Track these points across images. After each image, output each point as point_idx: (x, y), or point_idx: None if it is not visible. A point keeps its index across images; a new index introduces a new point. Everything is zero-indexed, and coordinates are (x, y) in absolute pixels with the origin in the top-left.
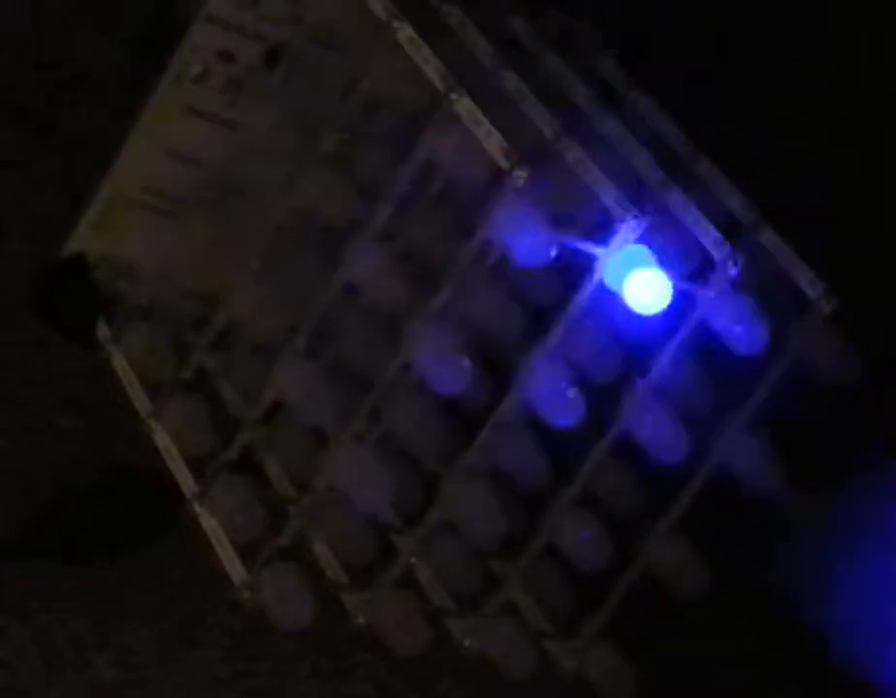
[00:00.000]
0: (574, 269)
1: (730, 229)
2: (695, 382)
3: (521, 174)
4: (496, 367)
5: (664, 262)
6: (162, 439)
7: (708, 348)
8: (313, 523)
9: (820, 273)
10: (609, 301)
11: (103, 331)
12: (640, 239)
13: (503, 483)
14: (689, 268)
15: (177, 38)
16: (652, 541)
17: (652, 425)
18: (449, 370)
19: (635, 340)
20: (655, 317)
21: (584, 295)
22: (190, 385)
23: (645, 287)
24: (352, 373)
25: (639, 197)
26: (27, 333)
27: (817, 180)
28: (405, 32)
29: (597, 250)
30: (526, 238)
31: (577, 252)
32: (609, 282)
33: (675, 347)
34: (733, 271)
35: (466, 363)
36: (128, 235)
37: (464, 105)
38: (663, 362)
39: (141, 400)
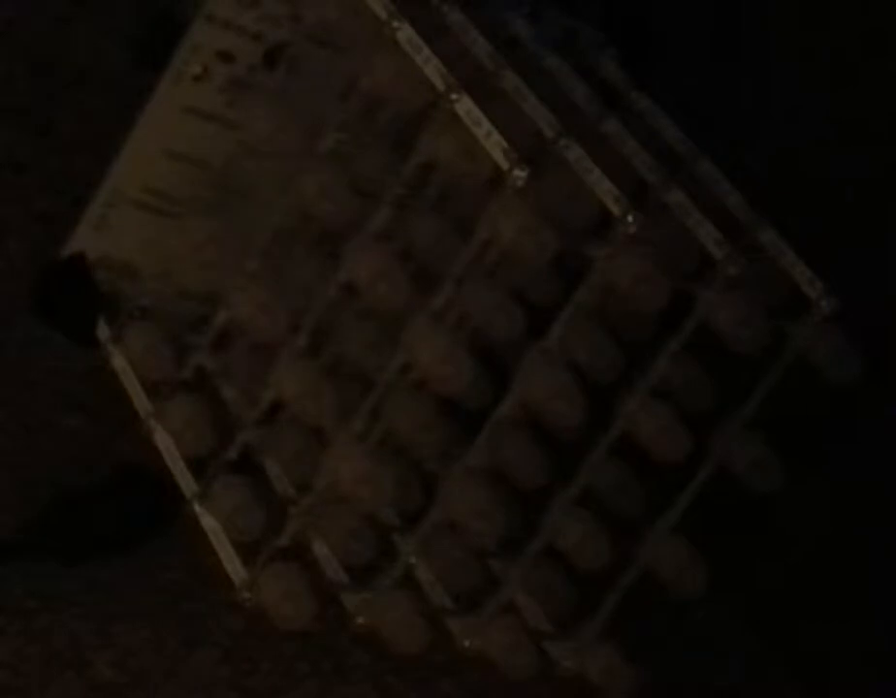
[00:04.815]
0: (574, 270)
1: (730, 229)
2: (695, 382)
3: (521, 175)
4: (497, 367)
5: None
6: (162, 439)
7: (708, 348)
8: (313, 523)
9: (820, 273)
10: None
11: (103, 331)
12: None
13: (503, 483)
14: (689, 267)
15: (177, 38)
16: (652, 541)
17: (652, 424)
18: (449, 370)
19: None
20: None
21: (584, 294)
22: (190, 385)
23: None
24: (352, 373)
25: (639, 196)
26: (27, 332)
27: (818, 180)
28: (405, 32)
29: (598, 250)
30: None
31: (577, 252)
32: None
33: (675, 347)
34: (733, 271)
35: (467, 363)
36: (128, 235)
37: (463, 105)
38: (663, 362)
39: (141, 400)
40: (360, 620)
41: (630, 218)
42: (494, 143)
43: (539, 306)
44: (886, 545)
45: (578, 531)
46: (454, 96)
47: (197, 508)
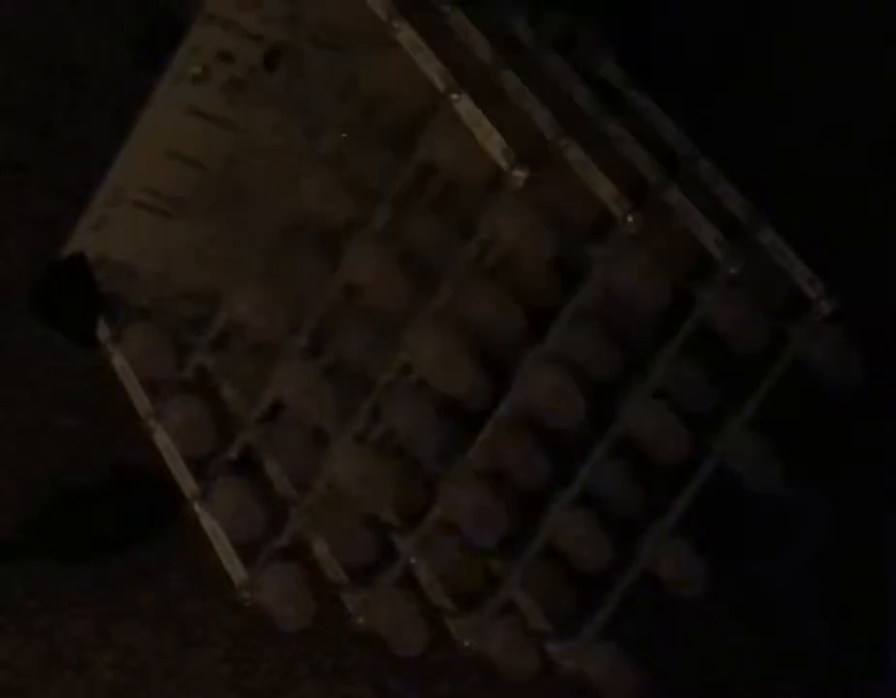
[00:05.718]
0: (574, 270)
1: (730, 229)
2: (696, 382)
3: (520, 175)
4: (496, 367)
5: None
6: (162, 439)
7: (708, 348)
8: (313, 523)
9: (820, 273)
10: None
11: (103, 331)
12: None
13: (503, 483)
14: (689, 267)
15: (177, 38)
16: (652, 541)
17: (651, 425)
18: (450, 371)
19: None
20: None
21: (584, 295)
22: (190, 385)
23: None
24: (352, 373)
25: (640, 197)
26: (27, 332)
27: (818, 180)
28: (405, 32)
29: (597, 250)
30: None
31: (577, 252)
32: None
33: (675, 347)
34: (733, 271)
35: (467, 362)
36: (128, 235)
37: (464, 105)
38: (664, 362)
39: (141, 400)
40: (360, 620)
41: (630, 218)
42: (494, 143)
43: (539, 306)
44: (888, 544)
45: (578, 531)
46: (454, 96)
47: (197, 508)
